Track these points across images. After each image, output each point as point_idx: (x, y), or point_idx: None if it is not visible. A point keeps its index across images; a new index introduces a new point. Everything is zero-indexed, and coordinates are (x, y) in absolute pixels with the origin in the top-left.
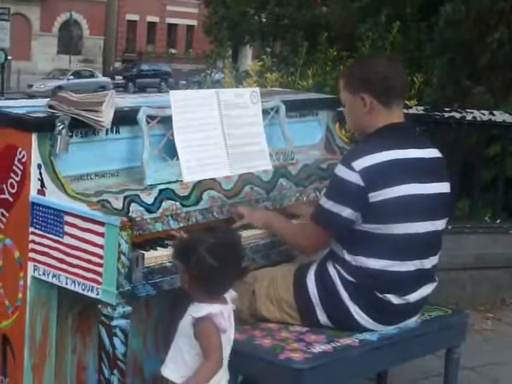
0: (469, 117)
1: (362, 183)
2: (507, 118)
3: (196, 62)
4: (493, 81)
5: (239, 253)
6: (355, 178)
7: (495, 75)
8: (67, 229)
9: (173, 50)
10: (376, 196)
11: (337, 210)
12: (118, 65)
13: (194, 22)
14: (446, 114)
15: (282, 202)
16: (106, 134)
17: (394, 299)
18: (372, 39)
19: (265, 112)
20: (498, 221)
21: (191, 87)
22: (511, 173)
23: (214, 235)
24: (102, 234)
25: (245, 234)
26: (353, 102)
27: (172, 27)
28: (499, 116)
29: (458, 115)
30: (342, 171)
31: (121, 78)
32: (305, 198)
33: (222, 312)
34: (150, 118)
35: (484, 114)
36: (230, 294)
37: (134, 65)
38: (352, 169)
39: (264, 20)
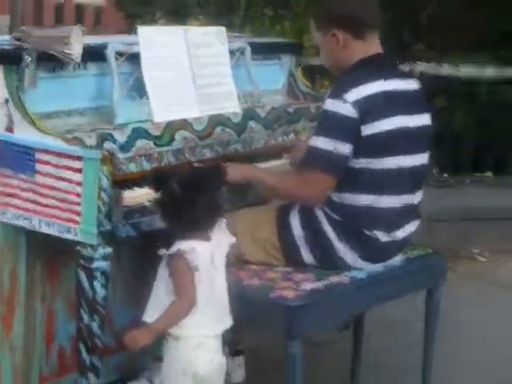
0: (418, 69)
1: (355, 115)
2: (454, 70)
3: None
4: (434, 36)
5: (212, 186)
6: (348, 110)
7: (436, 30)
8: (39, 167)
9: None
10: (368, 129)
11: (331, 147)
12: None
13: (101, 3)
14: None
15: (252, 145)
16: (74, 69)
17: (382, 236)
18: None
19: (230, 53)
20: (446, 175)
21: None
22: (456, 129)
23: (189, 168)
24: (79, 170)
25: None
26: (326, 40)
27: (79, 7)
28: (446, 68)
29: (407, 67)
30: (332, 105)
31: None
32: (273, 141)
33: (194, 248)
34: (119, 54)
35: (432, 67)
36: (228, 238)
37: None
38: (344, 100)
39: None
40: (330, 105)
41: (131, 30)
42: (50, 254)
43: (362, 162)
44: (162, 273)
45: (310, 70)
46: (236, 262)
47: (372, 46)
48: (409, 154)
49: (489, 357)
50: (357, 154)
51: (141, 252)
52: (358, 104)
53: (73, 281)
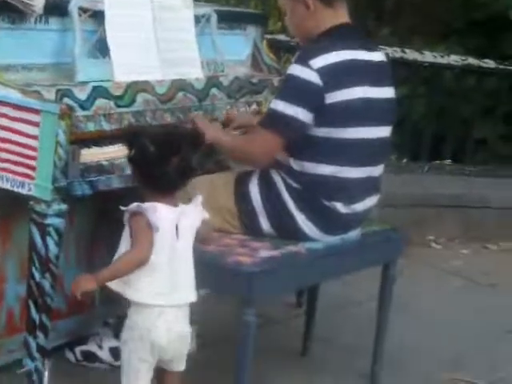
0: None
1: (320, 82)
2: (418, 56)
3: None
4: (398, 23)
5: (186, 148)
6: (313, 77)
7: (401, 17)
8: None
9: None
10: (332, 97)
11: (292, 112)
12: None
13: None
14: None
15: (213, 113)
16: (35, 23)
17: (342, 208)
18: None
19: (196, 19)
20: (404, 160)
21: None
22: (416, 115)
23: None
24: (36, 124)
25: None
26: (294, 6)
27: None
28: (410, 54)
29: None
30: (298, 70)
31: None
32: (235, 111)
33: (155, 208)
34: (82, 10)
35: (396, 51)
36: (201, 214)
37: None
38: (310, 67)
39: None
40: (295, 70)
41: None
42: (2, 211)
43: (324, 131)
44: (126, 235)
45: (276, 45)
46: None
47: (341, 14)
48: (372, 125)
49: (438, 342)
50: (319, 122)
51: (96, 213)
52: (323, 71)
53: (25, 239)
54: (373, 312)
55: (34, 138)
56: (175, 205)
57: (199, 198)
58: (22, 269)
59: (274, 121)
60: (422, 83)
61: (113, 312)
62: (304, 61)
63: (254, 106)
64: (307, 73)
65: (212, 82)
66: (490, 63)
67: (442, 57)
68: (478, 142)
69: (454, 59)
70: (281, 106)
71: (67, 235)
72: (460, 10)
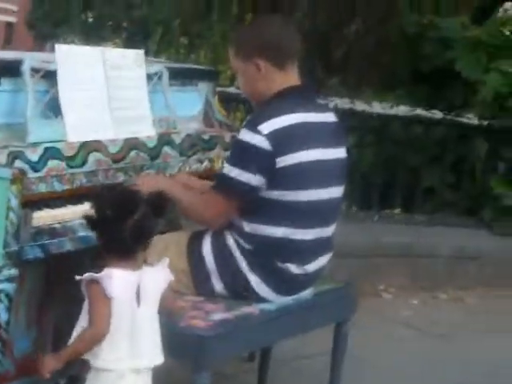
0: (331, 104)
1: (269, 147)
2: (367, 107)
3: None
4: (347, 73)
5: (139, 210)
6: (262, 142)
7: (349, 67)
8: None
9: None
10: (283, 161)
11: (245, 178)
12: None
13: (13, 19)
14: None
15: (166, 171)
16: None
17: (294, 269)
18: (222, 31)
19: (147, 77)
20: (355, 209)
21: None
22: (365, 164)
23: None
24: None
25: None
26: (246, 68)
27: None
28: (359, 105)
29: (321, 102)
30: (247, 135)
31: None
32: (187, 168)
33: (109, 276)
34: (35, 70)
35: (345, 103)
36: (167, 275)
37: None
38: (258, 132)
39: (91, 20)
40: (244, 135)
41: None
42: None
43: (276, 194)
44: (86, 304)
45: (227, 97)
46: None
47: (291, 76)
48: (323, 187)
49: None
50: (272, 185)
51: (47, 274)
52: (271, 136)
53: None
54: (325, 365)
55: None
56: (136, 268)
57: (166, 260)
58: None
59: (226, 185)
60: (371, 132)
61: (64, 373)
62: (253, 126)
63: (206, 163)
64: (256, 138)
65: (164, 139)
66: (437, 114)
67: (390, 107)
68: (427, 191)
69: (402, 110)
70: (233, 172)
71: (17, 296)
72: (406, 60)
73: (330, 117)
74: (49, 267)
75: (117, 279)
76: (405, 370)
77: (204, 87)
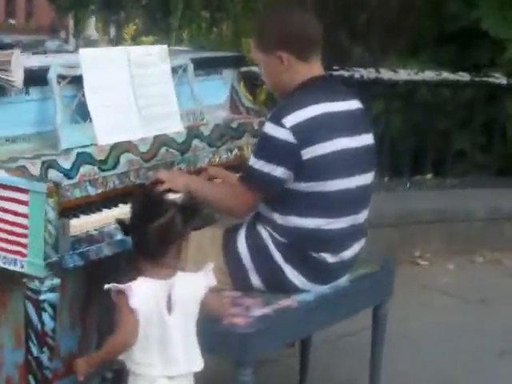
0: (357, 75)
1: (293, 140)
2: (392, 75)
3: (37, 33)
4: (371, 40)
5: (166, 212)
6: (286, 135)
7: (373, 33)
8: None
9: (12, 21)
10: (308, 153)
11: (268, 170)
12: None
13: None
14: (335, 73)
15: (196, 164)
16: (16, 95)
17: (329, 258)
18: (243, 2)
19: (172, 70)
20: (385, 179)
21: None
22: (394, 131)
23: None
24: (25, 203)
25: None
26: (268, 61)
27: None
28: (385, 74)
29: (346, 73)
30: (270, 129)
31: None
32: (217, 159)
33: (130, 288)
34: (61, 77)
35: (371, 72)
36: (206, 280)
37: None
38: (282, 125)
39: None
40: (269, 128)
41: (63, 26)
42: None
43: (305, 186)
44: None
45: (252, 77)
46: None
47: (315, 67)
48: (352, 175)
49: (431, 367)
50: (299, 177)
51: (88, 276)
52: (295, 129)
53: (19, 309)
54: (369, 340)
55: (24, 216)
56: (167, 274)
57: (210, 266)
58: (17, 336)
59: (252, 177)
60: (398, 98)
61: (110, 367)
62: (277, 119)
63: (236, 152)
64: (280, 131)
65: (193, 133)
66: (464, 76)
67: (416, 74)
68: (457, 154)
69: (428, 75)
70: (258, 164)
71: (61, 299)
72: (431, 22)
73: (354, 104)
74: (89, 270)
75: (141, 290)
76: (444, 340)
77: (229, 74)
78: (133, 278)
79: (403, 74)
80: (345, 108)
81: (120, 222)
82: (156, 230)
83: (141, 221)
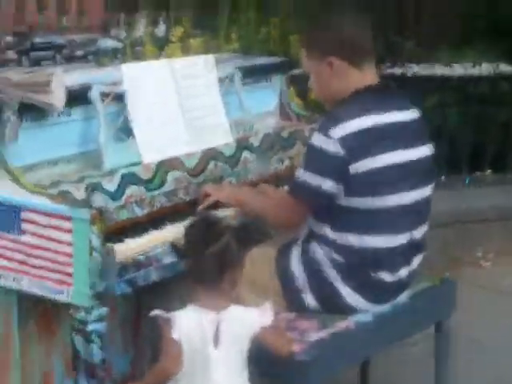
0: (410, 72)
1: (341, 153)
2: (447, 70)
3: (89, 32)
4: (422, 33)
5: (221, 238)
6: (334, 147)
7: (424, 26)
8: (26, 226)
9: (65, 21)
10: (358, 167)
11: (316, 183)
12: (9, 39)
13: None
14: (387, 71)
15: (247, 177)
16: (58, 116)
17: (388, 277)
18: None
19: (219, 80)
20: (442, 177)
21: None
22: (451, 126)
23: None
24: (69, 230)
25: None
26: (319, 68)
27: None
28: (439, 69)
29: (398, 71)
30: (318, 140)
31: (13, 52)
32: (268, 171)
33: (174, 318)
34: (104, 95)
35: (424, 68)
36: (262, 318)
37: (27, 38)
38: (329, 137)
39: None
40: (316, 140)
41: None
42: (43, 313)
43: (356, 202)
44: None
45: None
46: None
47: (369, 75)
48: (408, 189)
49: (498, 372)
50: (351, 192)
51: (138, 298)
52: (343, 141)
53: (68, 337)
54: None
55: (68, 244)
56: (220, 305)
57: (268, 305)
58: (67, 365)
59: (300, 190)
60: (454, 92)
61: None
62: (325, 130)
63: (287, 162)
64: (327, 143)
65: (242, 144)
66: None
67: (472, 67)
68: None
69: (485, 68)
70: (305, 176)
71: (111, 322)
72: (483, 8)
73: (410, 114)
74: (138, 293)
75: (185, 320)
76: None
77: (278, 80)
78: (183, 305)
79: (458, 69)
80: (399, 119)
81: (174, 245)
82: (211, 257)
83: (195, 246)
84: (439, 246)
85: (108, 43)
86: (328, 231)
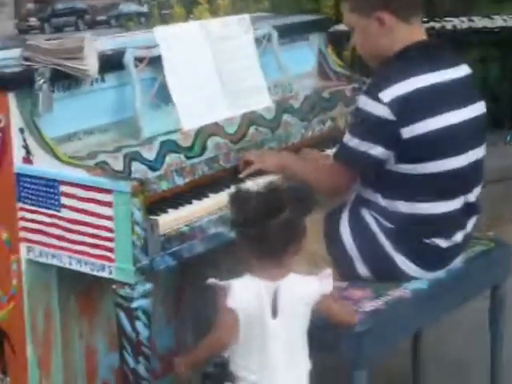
0: (449, 25)
1: (392, 117)
2: (487, 22)
3: None
4: None
5: (286, 209)
6: (384, 111)
7: None
8: (65, 200)
9: None
10: (409, 131)
11: (364, 149)
12: (30, 6)
13: None
14: (426, 25)
15: (288, 141)
16: (91, 84)
17: (443, 242)
18: None
19: (255, 41)
20: None
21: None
22: (493, 81)
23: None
24: (109, 204)
25: (260, 182)
26: (365, 25)
27: None
28: (479, 22)
29: (437, 25)
30: (367, 104)
31: (35, 19)
32: (310, 133)
33: (229, 287)
34: (138, 60)
35: (463, 22)
36: (322, 287)
37: (48, 4)
38: (379, 100)
39: None
40: (364, 103)
41: None
42: (84, 288)
43: (408, 168)
44: None
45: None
46: None
47: (417, 30)
48: (462, 152)
49: None
50: (402, 158)
51: (180, 269)
52: (394, 104)
53: (110, 313)
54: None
55: (109, 218)
56: (277, 276)
57: (328, 271)
58: (111, 341)
59: (347, 156)
60: (494, 46)
61: (210, 361)
62: (374, 93)
63: (329, 123)
64: (377, 108)
65: (282, 107)
66: None
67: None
68: None
69: None
70: (353, 141)
71: (153, 296)
72: None
73: (462, 70)
74: (182, 264)
75: (242, 289)
76: None
77: (316, 38)
78: (237, 274)
79: (499, 21)
80: (451, 76)
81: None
82: (278, 228)
83: (259, 218)
84: (482, 204)
85: (131, 8)
86: (378, 198)
